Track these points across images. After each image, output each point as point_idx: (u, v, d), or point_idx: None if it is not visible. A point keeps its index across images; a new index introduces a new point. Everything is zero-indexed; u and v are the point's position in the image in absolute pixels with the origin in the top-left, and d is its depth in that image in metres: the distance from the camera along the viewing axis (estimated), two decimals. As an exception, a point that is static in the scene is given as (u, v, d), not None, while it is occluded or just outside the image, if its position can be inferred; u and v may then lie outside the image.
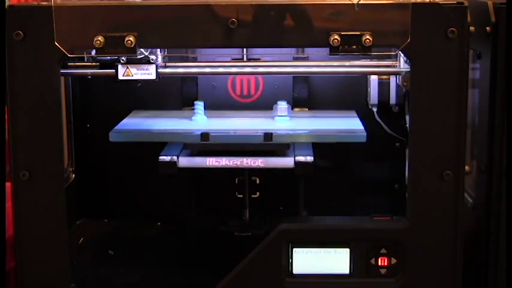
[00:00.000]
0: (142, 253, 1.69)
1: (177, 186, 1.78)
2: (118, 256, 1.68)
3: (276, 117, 1.67)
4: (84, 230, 1.75)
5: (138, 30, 1.36)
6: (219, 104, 1.77)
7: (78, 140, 1.73)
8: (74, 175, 1.73)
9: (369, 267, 1.45)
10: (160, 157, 1.54)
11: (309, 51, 1.68)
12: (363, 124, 1.62)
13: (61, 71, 1.42)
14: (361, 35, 1.36)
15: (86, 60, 1.55)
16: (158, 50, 1.50)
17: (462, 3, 1.35)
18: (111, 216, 1.80)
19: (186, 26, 1.37)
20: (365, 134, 1.56)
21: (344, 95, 1.77)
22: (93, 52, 1.47)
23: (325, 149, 1.68)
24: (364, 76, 1.70)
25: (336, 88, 1.78)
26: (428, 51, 1.36)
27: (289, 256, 1.44)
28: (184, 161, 1.54)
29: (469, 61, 1.39)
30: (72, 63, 1.53)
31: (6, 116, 1.43)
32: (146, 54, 1.46)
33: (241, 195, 1.75)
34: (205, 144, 1.55)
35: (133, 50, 1.36)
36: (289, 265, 1.45)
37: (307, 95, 1.77)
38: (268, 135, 1.54)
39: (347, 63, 1.54)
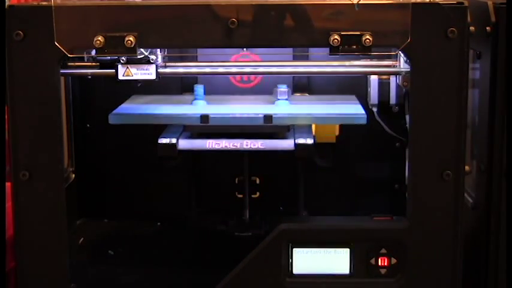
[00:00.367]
0: (142, 253, 1.69)
1: (177, 186, 1.78)
2: (118, 256, 1.68)
3: (276, 101, 1.66)
4: (84, 230, 1.75)
5: (138, 30, 1.36)
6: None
7: (78, 140, 1.73)
8: (74, 175, 1.73)
9: (369, 267, 1.45)
10: (160, 139, 1.52)
11: (309, 49, 1.68)
12: (363, 108, 1.61)
13: (61, 71, 1.42)
14: (361, 35, 1.36)
15: (86, 60, 1.55)
16: (158, 49, 1.50)
17: (462, 3, 1.35)
18: (111, 216, 1.80)
19: (186, 26, 1.37)
20: (365, 116, 1.55)
21: (344, 93, 1.77)
22: (93, 52, 1.47)
23: (326, 148, 1.68)
24: (364, 76, 1.70)
25: (335, 88, 1.78)
26: (428, 51, 1.36)
27: (289, 256, 1.44)
28: (184, 144, 1.52)
29: (469, 61, 1.39)
30: (72, 63, 1.53)
31: (6, 116, 1.43)
32: (146, 54, 1.46)
33: (241, 195, 1.75)
34: (205, 127, 1.54)
35: (133, 50, 1.36)
36: (289, 265, 1.45)
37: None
38: (268, 117, 1.53)
39: (347, 63, 1.54)
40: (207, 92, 1.69)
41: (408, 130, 1.43)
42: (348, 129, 1.65)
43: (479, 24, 1.43)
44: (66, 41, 1.37)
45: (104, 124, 1.66)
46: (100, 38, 1.36)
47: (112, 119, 1.57)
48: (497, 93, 1.45)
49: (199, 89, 1.68)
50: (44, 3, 1.37)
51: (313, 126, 1.58)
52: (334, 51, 1.36)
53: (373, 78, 1.67)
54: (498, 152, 1.46)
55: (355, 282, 1.45)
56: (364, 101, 1.71)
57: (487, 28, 1.44)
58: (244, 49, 1.70)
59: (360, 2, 1.35)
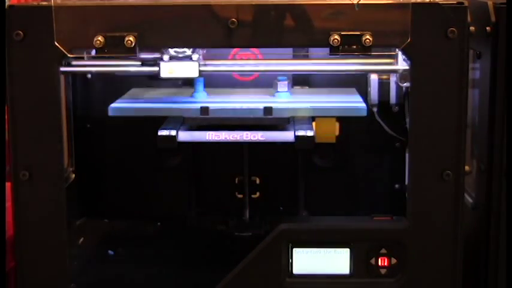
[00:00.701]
0: (142, 253, 1.69)
1: (177, 186, 1.78)
2: (118, 256, 1.68)
3: (276, 93, 1.66)
4: (84, 230, 1.75)
5: (138, 30, 1.36)
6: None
7: (78, 140, 1.73)
8: (74, 175, 1.73)
9: (369, 267, 1.45)
10: (160, 131, 1.51)
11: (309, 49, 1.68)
12: (363, 100, 1.61)
13: (62, 69, 1.42)
14: (361, 35, 1.36)
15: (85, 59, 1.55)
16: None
17: (462, 3, 1.35)
18: (111, 216, 1.80)
19: (186, 26, 1.37)
20: (366, 108, 1.55)
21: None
22: (93, 52, 1.47)
23: (326, 148, 1.68)
24: (364, 74, 1.69)
25: (335, 84, 1.77)
26: (428, 51, 1.36)
27: (289, 256, 1.44)
28: (183, 135, 1.51)
29: (469, 61, 1.39)
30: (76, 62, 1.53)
31: (6, 116, 1.43)
32: (189, 51, 1.47)
33: (241, 195, 1.75)
34: (205, 119, 1.54)
35: (133, 50, 1.37)
36: (289, 265, 1.45)
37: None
38: (268, 109, 1.53)
39: (344, 61, 1.53)
40: (206, 86, 1.69)
41: (408, 130, 1.43)
42: (347, 129, 1.64)
43: (479, 24, 1.43)
44: (66, 41, 1.37)
45: (104, 124, 1.66)
46: (100, 38, 1.36)
47: (111, 111, 1.56)
48: (497, 93, 1.45)
49: (199, 82, 1.68)
50: (44, 3, 1.37)
51: (314, 126, 1.58)
52: (334, 51, 1.36)
53: (373, 78, 1.67)
54: (498, 152, 1.46)
55: (355, 282, 1.45)
56: (364, 100, 1.71)
57: (487, 28, 1.44)
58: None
59: (360, 2, 1.35)
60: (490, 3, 1.46)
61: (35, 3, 1.40)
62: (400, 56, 1.48)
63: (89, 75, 1.72)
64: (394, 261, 1.44)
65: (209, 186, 1.78)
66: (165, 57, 1.47)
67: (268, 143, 1.51)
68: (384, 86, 1.66)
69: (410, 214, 1.41)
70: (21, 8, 1.38)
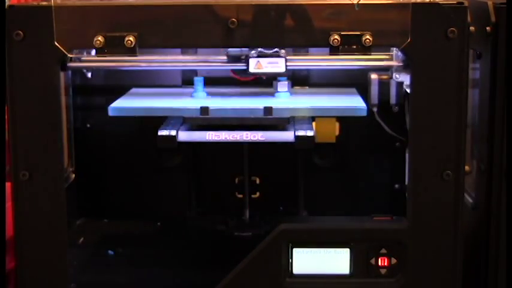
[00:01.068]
0: (142, 253, 1.68)
1: (177, 186, 1.78)
2: (118, 256, 1.68)
3: (276, 93, 1.66)
4: (84, 230, 1.75)
5: (138, 30, 1.37)
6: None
7: (78, 140, 1.73)
8: (74, 175, 1.73)
9: (369, 267, 1.45)
10: (160, 131, 1.51)
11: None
12: (364, 100, 1.61)
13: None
14: (361, 35, 1.36)
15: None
16: None
17: (462, 3, 1.35)
18: (111, 216, 1.80)
19: (186, 26, 1.37)
20: (366, 108, 1.55)
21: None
22: (93, 52, 1.47)
23: (326, 148, 1.68)
24: (364, 76, 1.69)
25: (335, 83, 1.77)
26: (428, 51, 1.36)
27: (289, 256, 1.44)
28: (183, 135, 1.51)
29: (469, 61, 1.39)
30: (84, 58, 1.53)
31: (6, 116, 1.43)
32: (277, 48, 1.47)
33: (241, 195, 1.75)
34: (205, 119, 1.54)
35: (133, 50, 1.37)
36: (289, 265, 1.45)
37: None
38: (268, 109, 1.53)
39: (340, 57, 1.52)
40: (206, 86, 1.69)
41: (408, 130, 1.43)
42: (348, 129, 1.64)
43: (479, 24, 1.43)
44: (66, 41, 1.37)
45: (104, 124, 1.66)
46: (100, 38, 1.36)
47: (111, 111, 1.56)
48: (497, 93, 1.45)
49: (199, 81, 1.67)
50: (44, 3, 1.38)
51: (314, 126, 1.58)
52: (334, 51, 1.36)
53: (373, 78, 1.67)
54: (498, 152, 1.46)
55: (355, 282, 1.45)
56: (364, 100, 1.71)
57: (487, 28, 1.44)
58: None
59: (360, 2, 1.35)
60: (490, 3, 1.46)
61: (35, 3, 1.40)
62: (395, 52, 1.48)
63: (89, 75, 1.72)
64: (394, 261, 1.44)
65: (209, 186, 1.78)
66: (253, 53, 1.48)
67: (268, 143, 1.51)
68: (384, 85, 1.66)
69: (410, 214, 1.41)
70: (21, 8, 1.38)
